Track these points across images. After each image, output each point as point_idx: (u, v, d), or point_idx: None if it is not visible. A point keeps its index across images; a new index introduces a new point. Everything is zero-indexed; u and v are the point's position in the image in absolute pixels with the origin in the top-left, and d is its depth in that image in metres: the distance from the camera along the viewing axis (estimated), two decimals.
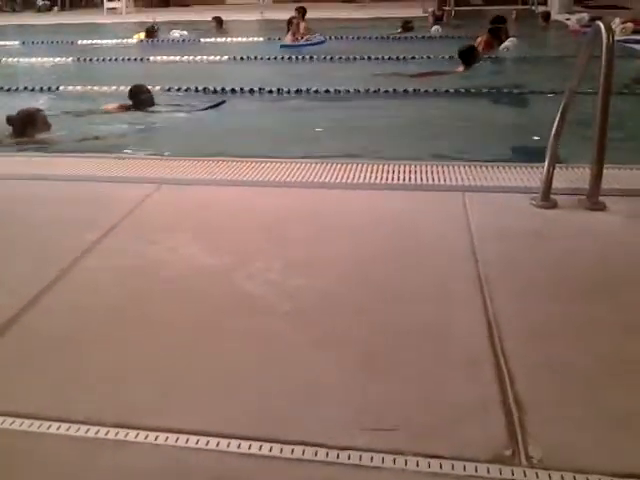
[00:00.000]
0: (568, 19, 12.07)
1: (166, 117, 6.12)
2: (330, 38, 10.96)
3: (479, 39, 8.96)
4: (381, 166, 3.55)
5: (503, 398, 1.71)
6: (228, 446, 1.57)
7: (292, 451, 1.56)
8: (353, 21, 14.20)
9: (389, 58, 9.02)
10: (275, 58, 9.44)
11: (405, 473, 1.49)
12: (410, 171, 3.46)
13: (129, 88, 6.24)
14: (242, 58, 9.50)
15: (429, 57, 8.80)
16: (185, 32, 12.22)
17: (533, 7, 13.82)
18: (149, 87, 6.36)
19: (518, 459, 1.52)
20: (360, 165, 3.59)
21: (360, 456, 1.54)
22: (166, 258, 2.59)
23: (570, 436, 1.58)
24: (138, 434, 1.61)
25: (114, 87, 7.12)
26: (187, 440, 1.59)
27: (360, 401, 1.73)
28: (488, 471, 1.49)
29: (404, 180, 3.35)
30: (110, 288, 2.39)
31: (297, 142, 4.93)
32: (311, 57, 9.27)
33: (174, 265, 2.54)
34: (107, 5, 18.19)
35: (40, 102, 6.49)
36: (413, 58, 8.96)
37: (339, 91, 6.84)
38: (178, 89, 7.01)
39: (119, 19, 16.75)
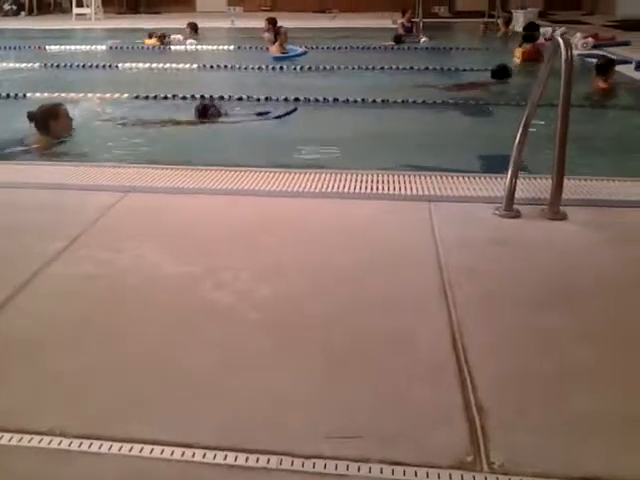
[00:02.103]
0: None
1: (236, 127, 5.91)
2: (317, 48, 10.90)
3: (520, 49, 9.02)
4: (349, 175, 3.59)
5: (466, 405, 1.75)
6: (193, 456, 1.58)
7: (257, 460, 1.56)
8: (331, 31, 14.23)
9: (398, 68, 8.94)
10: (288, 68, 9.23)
11: None
12: (378, 181, 3.50)
13: (197, 104, 6.13)
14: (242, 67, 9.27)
15: (449, 69, 8.84)
16: (194, 40, 12.10)
17: (499, 20, 14.10)
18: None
19: (480, 465, 1.55)
20: (328, 174, 3.62)
21: (325, 464, 1.55)
22: (132, 266, 2.58)
23: (530, 441, 1.62)
24: (102, 445, 1.60)
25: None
26: (152, 450, 1.59)
27: (325, 409, 1.74)
28: (450, 477, 1.52)
29: (372, 190, 3.39)
30: (75, 296, 2.37)
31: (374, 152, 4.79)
32: (324, 67, 9.05)
33: (140, 273, 2.53)
34: (76, 11, 17.97)
35: (111, 111, 6.42)
36: (427, 69, 8.91)
37: (387, 101, 6.63)
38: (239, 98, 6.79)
39: (88, 25, 16.57)
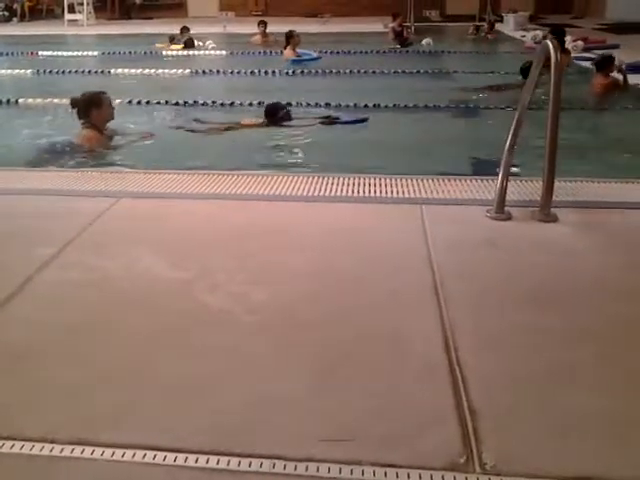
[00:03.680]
0: (524, 36, 12.43)
1: (306, 132, 5.81)
2: (326, 53, 10.89)
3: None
4: (341, 179, 3.60)
5: (458, 406, 1.75)
6: (185, 460, 1.57)
7: (250, 464, 1.56)
8: (329, 35, 14.25)
9: (419, 72, 8.97)
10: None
11: None
12: (370, 184, 3.51)
13: (266, 105, 6.06)
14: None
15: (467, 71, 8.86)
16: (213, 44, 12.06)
17: (485, 23, 14.21)
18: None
19: (472, 466, 1.55)
20: (320, 178, 3.63)
21: (318, 467, 1.55)
22: (125, 272, 2.57)
23: (522, 442, 1.63)
24: (94, 450, 1.60)
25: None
26: (144, 455, 1.59)
27: (318, 412, 1.74)
28: (443, 479, 1.52)
29: (364, 193, 3.40)
30: (67, 302, 2.36)
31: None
32: (340, 72, 9.03)
33: (133, 279, 2.52)
34: (68, 17, 17.96)
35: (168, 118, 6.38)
36: (453, 72, 8.91)
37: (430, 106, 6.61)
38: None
39: (80, 31, 16.56)
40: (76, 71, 9.67)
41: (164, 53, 11.65)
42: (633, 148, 4.82)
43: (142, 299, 2.38)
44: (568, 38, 10.26)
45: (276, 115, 5.84)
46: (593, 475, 1.52)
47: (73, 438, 1.63)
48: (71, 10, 18.09)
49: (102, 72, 9.51)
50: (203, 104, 6.99)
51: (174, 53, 11.62)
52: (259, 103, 6.67)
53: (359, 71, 8.98)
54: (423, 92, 7.49)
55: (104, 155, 4.95)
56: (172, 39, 11.97)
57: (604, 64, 6.83)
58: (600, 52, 9.31)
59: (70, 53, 11.96)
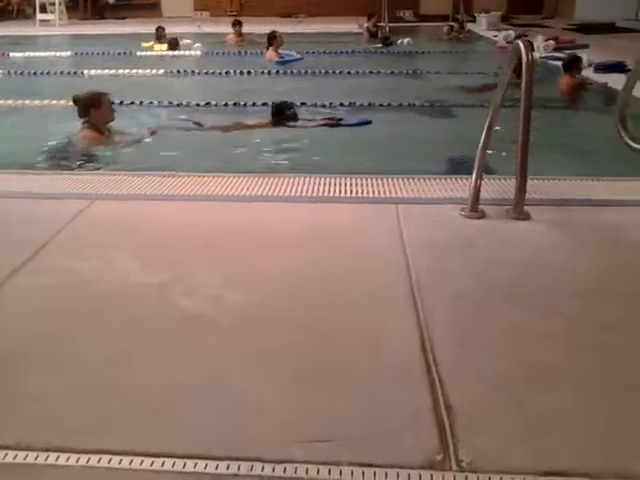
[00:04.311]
0: (496, 36, 12.56)
1: (311, 132, 5.72)
2: (307, 53, 10.82)
3: None
4: (317, 179, 3.60)
5: (434, 405, 1.77)
6: (162, 465, 1.57)
7: (227, 467, 1.56)
8: (309, 36, 14.19)
9: (409, 73, 8.96)
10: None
11: None
12: (345, 184, 3.52)
13: (272, 105, 5.92)
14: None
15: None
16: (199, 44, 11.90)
17: (455, 23, 14.33)
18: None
19: (449, 464, 1.57)
20: (295, 178, 3.63)
21: (296, 468, 1.56)
22: (99, 275, 2.55)
23: (497, 439, 1.65)
24: (69, 457, 1.59)
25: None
26: (120, 461, 1.58)
27: (295, 414, 1.74)
28: (420, 477, 1.54)
29: (339, 193, 3.41)
30: (41, 307, 2.33)
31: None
32: (321, 72, 8.95)
33: (108, 282, 2.50)
34: (39, 17, 17.69)
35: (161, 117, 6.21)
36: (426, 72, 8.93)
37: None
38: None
39: (52, 31, 16.32)
40: (48, 72, 9.53)
41: (140, 54, 11.50)
42: (598, 146, 4.91)
43: (117, 303, 2.36)
44: (540, 38, 10.41)
45: (283, 114, 5.77)
46: (567, 470, 1.54)
47: (48, 445, 1.62)
48: (43, 10, 17.80)
49: (75, 73, 9.38)
50: (187, 105, 6.90)
51: (159, 53, 11.47)
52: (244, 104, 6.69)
53: (344, 72, 8.97)
54: (398, 91, 7.53)
55: (103, 155, 4.87)
56: (158, 38, 11.82)
57: (571, 65, 6.94)
58: (570, 51, 9.47)
59: (42, 54, 11.78)
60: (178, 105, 6.91)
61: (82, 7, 20.01)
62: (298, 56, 10.34)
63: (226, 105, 6.87)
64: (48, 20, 17.71)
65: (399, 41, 12.07)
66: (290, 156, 5.04)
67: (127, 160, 4.75)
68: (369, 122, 5.96)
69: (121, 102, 6.49)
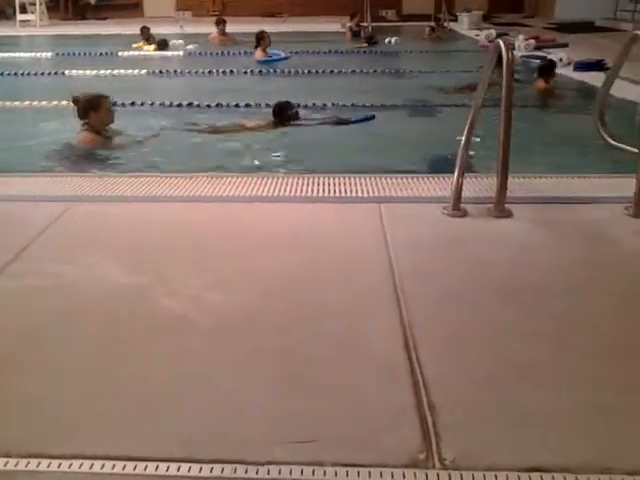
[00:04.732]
0: (477, 35, 12.64)
1: (313, 131, 5.66)
2: (295, 53, 10.76)
3: None
4: (298, 179, 3.60)
5: (418, 404, 1.78)
6: (145, 469, 1.56)
7: (211, 469, 1.56)
8: (292, 35, 14.15)
9: (398, 72, 9.00)
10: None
11: None
12: (327, 183, 3.52)
13: (274, 104, 5.80)
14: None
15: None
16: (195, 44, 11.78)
17: (445, 24, 14.40)
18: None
19: (432, 462, 1.58)
20: (277, 178, 3.63)
21: (280, 470, 1.56)
22: (81, 278, 2.53)
23: (479, 436, 1.66)
24: (50, 463, 1.57)
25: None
26: (103, 465, 1.56)
27: (278, 415, 1.74)
28: (404, 476, 1.55)
29: (322, 193, 3.41)
30: (22, 310, 2.31)
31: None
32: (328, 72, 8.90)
33: (89, 285, 2.48)
34: (20, 17, 17.49)
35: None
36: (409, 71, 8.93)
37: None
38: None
39: (33, 32, 16.16)
40: (29, 73, 9.43)
41: (121, 54, 11.40)
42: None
43: (99, 305, 2.34)
44: (521, 37, 10.48)
45: (284, 114, 5.69)
46: (548, 466, 1.55)
47: (29, 451, 1.60)
48: (23, 10, 17.61)
49: (56, 73, 9.29)
50: (178, 105, 6.84)
51: (148, 53, 11.37)
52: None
53: (327, 71, 8.96)
54: (381, 91, 7.54)
55: (103, 157, 4.82)
56: (147, 39, 11.72)
57: (545, 71, 7.00)
58: (550, 50, 9.56)
59: (22, 54, 11.66)
60: (170, 106, 6.84)
61: (63, 7, 19.83)
62: (283, 55, 10.30)
63: (209, 106, 6.82)
64: (28, 20, 17.53)
65: (387, 40, 12.09)
66: (280, 156, 5.03)
67: (125, 162, 4.71)
68: (372, 117, 5.88)
69: (115, 103, 6.47)
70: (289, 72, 9.13)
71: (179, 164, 4.55)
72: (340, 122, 5.82)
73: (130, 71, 9.34)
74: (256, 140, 5.38)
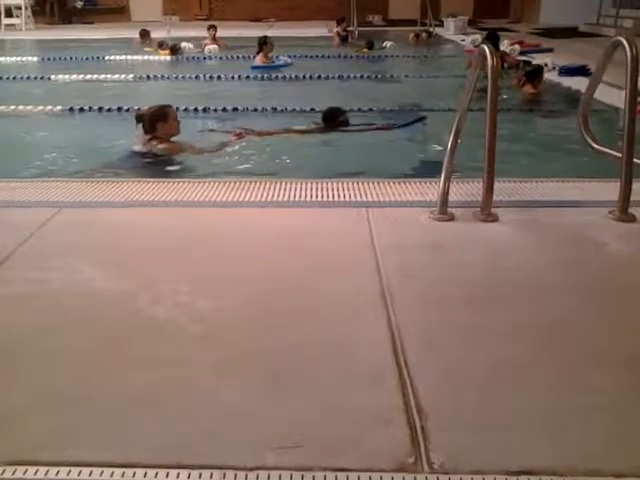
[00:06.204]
0: (463, 40, 12.73)
1: (363, 136, 5.57)
2: (295, 57, 10.68)
3: None
4: (286, 184, 3.60)
5: (406, 408, 1.78)
6: (133, 476, 1.55)
7: (200, 475, 1.55)
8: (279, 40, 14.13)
9: (407, 76, 9.05)
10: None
11: None
12: (314, 188, 3.53)
13: (325, 109, 5.75)
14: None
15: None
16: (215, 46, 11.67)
17: (431, 29, 14.51)
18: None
19: (421, 466, 1.58)
20: (264, 183, 3.62)
21: (269, 475, 1.55)
22: (67, 285, 2.51)
23: (468, 440, 1.67)
24: (37, 470, 1.56)
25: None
26: (90, 472, 1.55)
27: (267, 420, 1.74)
28: None
29: (309, 197, 3.42)
30: (6, 318, 2.29)
31: None
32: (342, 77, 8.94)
33: (76, 292, 2.46)
34: (5, 21, 17.39)
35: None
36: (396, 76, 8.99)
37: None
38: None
39: (18, 36, 16.06)
40: (14, 77, 9.36)
41: (120, 58, 11.29)
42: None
43: (84, 313, 2.32)
44: (506, 42, 10.57)
45: (335, 120, 5.62)
46: (537, 468, 1.56)
47: (15, 459, 1.59)
48: (8, 14, 17.50)
49: (42, 78, 9.22)
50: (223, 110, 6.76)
51: (162, 59, 11.29)
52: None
53: (323, 76, 8.95)
54: (369, 95, 7.57)
55: (192, 163, 4.74)
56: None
57: (534, 76, 7.07)
58: (534, 55, 9.64)
59: (7, 59, 11.57)
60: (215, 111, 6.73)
61: (49, 11, 19.73)
62: (282, 61, 10.22)
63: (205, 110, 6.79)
64: (14, 25, 17.43)
65: (383, 44, 12.17)
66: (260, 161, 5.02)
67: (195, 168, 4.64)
68: (424, 118, 5.78)
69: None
70: (278, 77, 9.12)
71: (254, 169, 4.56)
72: (390, 127, 5.70)
73: (151, 76, 9.29)
74: (306, 143, 5.32)
